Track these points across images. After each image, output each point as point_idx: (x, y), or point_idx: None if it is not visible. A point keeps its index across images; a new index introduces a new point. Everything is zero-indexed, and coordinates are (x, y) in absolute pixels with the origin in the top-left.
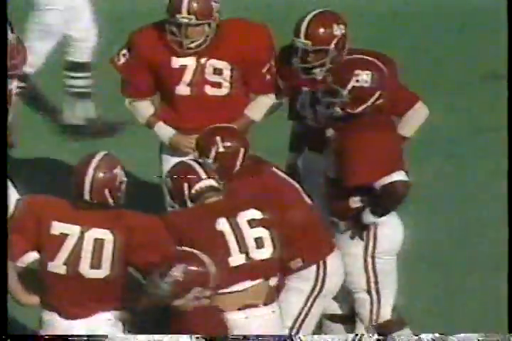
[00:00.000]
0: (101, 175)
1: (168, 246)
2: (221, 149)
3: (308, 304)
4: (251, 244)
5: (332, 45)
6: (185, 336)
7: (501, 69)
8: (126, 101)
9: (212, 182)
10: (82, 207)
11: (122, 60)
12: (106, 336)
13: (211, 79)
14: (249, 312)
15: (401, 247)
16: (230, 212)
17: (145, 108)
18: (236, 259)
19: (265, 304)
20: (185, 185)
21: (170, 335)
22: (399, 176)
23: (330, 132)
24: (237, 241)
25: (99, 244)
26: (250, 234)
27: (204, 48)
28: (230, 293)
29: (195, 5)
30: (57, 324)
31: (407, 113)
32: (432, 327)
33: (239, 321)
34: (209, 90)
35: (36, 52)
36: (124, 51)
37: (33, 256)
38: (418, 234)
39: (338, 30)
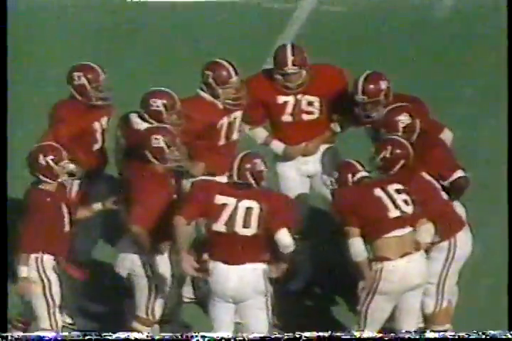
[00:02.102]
0: (245, 162)
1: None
2: (388, 155)
3: (447, 266)
4: (401, 203)
5: (382, 96)
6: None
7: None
8: (247, 129)
9: (366, 174)
10: (235, 186)
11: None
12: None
13: (306, 109)
14: (408, 258)
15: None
16: (381, 185)
17: (261, 132)
18: (393, 213)
19: (416, 250)
20: (349, 176)
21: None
22: (461, 173)
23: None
24: (392, 201)
25: (249, 210)
26: (399, 197)
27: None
28: (393, 237)
29: (296, 58)
30: (219, 270)
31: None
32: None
33: (402, 266)
34: (305, 117)
35: None
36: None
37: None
38: None
39: (383, 85)
